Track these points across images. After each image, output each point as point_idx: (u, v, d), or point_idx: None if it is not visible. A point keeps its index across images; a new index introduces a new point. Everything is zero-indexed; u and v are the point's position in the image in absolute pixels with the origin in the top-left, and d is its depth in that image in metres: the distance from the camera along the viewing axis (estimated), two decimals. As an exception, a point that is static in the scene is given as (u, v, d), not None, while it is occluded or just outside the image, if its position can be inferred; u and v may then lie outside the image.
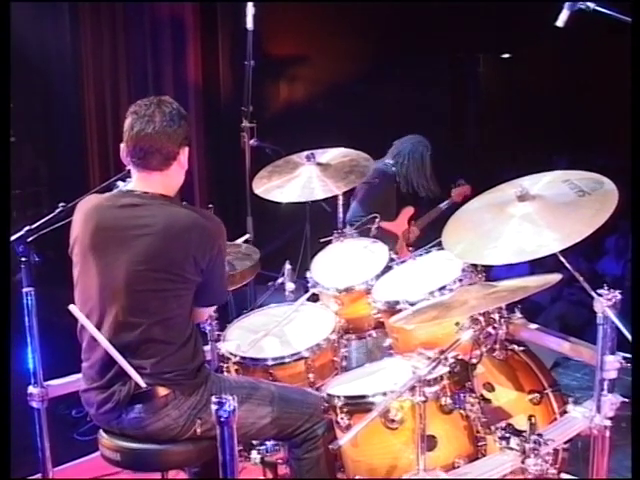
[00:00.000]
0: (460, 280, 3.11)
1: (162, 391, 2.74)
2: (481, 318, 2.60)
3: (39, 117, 6.71)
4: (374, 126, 7.38)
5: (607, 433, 2.86)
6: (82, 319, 2.75)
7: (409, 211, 5.41)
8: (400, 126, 7.84)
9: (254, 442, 3.16)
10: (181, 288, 2.74)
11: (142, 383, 2.71)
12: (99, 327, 2.76)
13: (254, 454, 3.20)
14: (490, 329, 2.81)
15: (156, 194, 2.79)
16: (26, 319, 3.32)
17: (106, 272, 2.76)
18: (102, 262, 2.77)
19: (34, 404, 3.38)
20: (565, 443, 3.02)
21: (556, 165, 7.60)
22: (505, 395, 3.16)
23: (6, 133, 3.51)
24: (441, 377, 2.68)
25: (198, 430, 2.78)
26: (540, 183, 2.84)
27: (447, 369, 2.70)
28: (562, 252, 2.59)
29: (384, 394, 2.64)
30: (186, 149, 2.85)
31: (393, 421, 2.64)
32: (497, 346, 3.20)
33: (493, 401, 3.12)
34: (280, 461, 3.25)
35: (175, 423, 2.77)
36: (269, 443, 3.17)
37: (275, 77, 7.94)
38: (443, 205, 5.55)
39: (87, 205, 2.88)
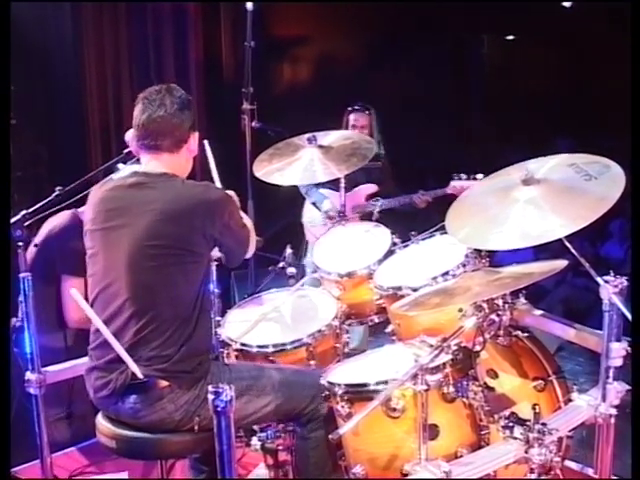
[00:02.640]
0: (463, 265, 3.06)
1: (158, 383, 2.71)
2: (484, 305, 2.55)
3: (40, 100, 6.64)
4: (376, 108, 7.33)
5: (612, 420, 2.82)
6: (83, 304, 2.71)
7: (369, 188, 5.26)
8: (401, 108, 7.81)
9: (255, 428, 3.14)
10: (189, 262, 2.74)
11: (139, 374, 2.68)
12: (105, 312, 2.75)
13: (254, 440, 3.18)
14: (494, 316, 2.76)
15: (162, 172, 2.80)
16: (23, 305, 3.28)
17: (111, 253, 2.77)
18: (107, 243, 2.79)
19: (31, 390, 3.34)
20: (570, 431, 2.99)
21: (561, 148, 7.55)
22: (509, 382, 3.12)
23: (6, 118, 3.49)
24: (444, 365, 2.63)
25: (196, 427, 2.75)
26: (546, 167, 2.78)
27: (450, 357, 2.65)
28: (567, 236, 2.54)
29: (385, 382, 2.60)
30: (196, 134, 2.91)
31: (395, 410, 2.60)
32: (501, 332, 3.16)
33: (497, 388, 3.07)
34: (280, 447, 3.21)
35: (170, 417, 2.74)
36: (270, 430, 3.14)
37: (278, 59, 7.86)
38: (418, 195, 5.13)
39: (99, 189, 2.91)
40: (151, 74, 6.74)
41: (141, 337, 2.71)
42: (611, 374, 2.79)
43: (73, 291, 2.71)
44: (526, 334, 3.25)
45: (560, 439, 2.96)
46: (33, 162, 6.82)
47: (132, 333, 2.71)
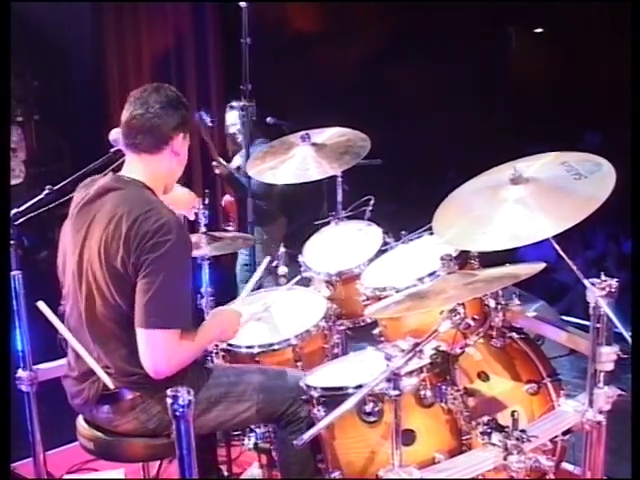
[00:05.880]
0: (445, 267, 2.98)
1: (129, 394, 2.67)
2: (460, 308, 2.48)
3: (62, 96, 6.70)
4: (396, 105, 7.25)
5: (604, 422, 2.71)
6: (50, 316, 2.69)
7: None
8: (424, 103, 7.72)
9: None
10: (127, 285, 2.57)
11: (110, 384, 2.65)
12: (71, 323, 2.73)
13: (247, 440, 3.15)
14: (469, 320, 2.68)
15: (130, 178, 2.71)
16: (14, 302, 3.29)
17: (71, 260, 2.72)
18: (69, 248, 2.74)
19: (23, 388, 3.35)
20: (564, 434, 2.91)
21: (590, 144, 7.40)
22: (500, 385, 3.07)
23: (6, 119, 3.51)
24: (420, 369, 2.58)
25: (173, 435, 2.70)
26: (535, 165, 2.72)
27: (427, 361, 2.59)
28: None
29: (361, 387, 2.54)
30: (180, 136, 2.75)
31: (370, 414, 2.56)
32: (494, 333, 3.10)
33: (487, 391, 3.03)
34: (274, 447, 3.18)
35: (144, 426, 2.70)
36: (259, 430, 3.11)
37: (295, 54, 7.80)
38: None
39: (81, 188, 2.84)
40: (172, 71, 6.75)
41: (103, 352, 2.66)
42: (601, 379, 2.70)
43: (40, 303, 2.68)
44: (521, 336, 3.19)
45: (554, 442, 2.89)
46: (56, 157, 6.89)
47: (94, 346, 2.67)
